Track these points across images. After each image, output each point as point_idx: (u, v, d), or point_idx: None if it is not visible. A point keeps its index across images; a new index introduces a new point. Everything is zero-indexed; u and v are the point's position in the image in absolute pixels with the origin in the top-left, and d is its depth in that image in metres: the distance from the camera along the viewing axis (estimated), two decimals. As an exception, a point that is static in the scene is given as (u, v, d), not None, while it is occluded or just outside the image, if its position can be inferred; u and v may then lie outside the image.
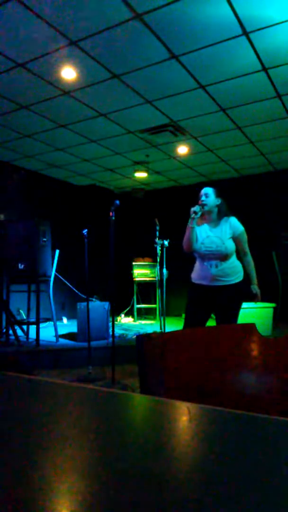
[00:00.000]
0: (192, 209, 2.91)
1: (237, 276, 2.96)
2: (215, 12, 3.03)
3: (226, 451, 0.57)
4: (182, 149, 6.00)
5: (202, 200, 2.97)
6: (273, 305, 5.45)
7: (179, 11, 3.01)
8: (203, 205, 2.95)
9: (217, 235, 2.95)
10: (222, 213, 3.00)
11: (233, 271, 2.94)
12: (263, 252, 6.28)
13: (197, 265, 3.06)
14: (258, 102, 4.48)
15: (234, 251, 2.97)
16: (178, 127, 5.18)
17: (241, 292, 2.98)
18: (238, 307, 2.97)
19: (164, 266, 5.01)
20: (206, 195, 2.98)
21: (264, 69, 3.82)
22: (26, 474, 0.47)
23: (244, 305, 5.11)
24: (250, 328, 1.25)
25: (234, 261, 2.98)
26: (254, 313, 5.22)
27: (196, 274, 3.05)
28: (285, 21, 3.14)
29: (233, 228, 2.96)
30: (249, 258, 3.01)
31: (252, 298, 3.04)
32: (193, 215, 2.91)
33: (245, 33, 3.28)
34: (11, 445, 0.57)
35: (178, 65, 3.73)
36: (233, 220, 2.99)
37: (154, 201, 8.08)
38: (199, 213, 2.93)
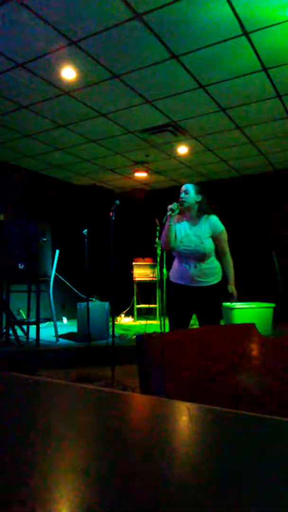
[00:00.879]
0: (169, 206, 2.84)
1: (216, 277, 2.90)
2: (215, 12, 3.03)
3: (226, 451, 0.57)
4: (182, 149, 6.00)
5: (181, 197, 2.91)
6: (273, 305, 5.45)
7: (179, 11, 3.01)
8: (181, 203, 2.88)
9: (196, 233, 2.88)
10: (202, 210, 2.92)
11: (211, 272, 2.89)
12: (263, 252, 6.30)
13: (176, 264, 3.00)
14: (258, 102, 4.49)
15: (213, 250, 2.90)
16: (178, 127, 5.18)
17: (220, 293, 2.94)
18: (219, 308, 2.95)
19: (164, 266, 5.00)
20: (186, 192, 2.91)
21: (264, 69, 3.82)
22: (26, 474, 0.47)
23: (244, 305, 5.14)
24: (250, 328, 1.25)
25: (213, 261, 2.91)
26: (254, 313, 5.23)
27: (175, 273, 2.99)
28: (285, 21, 3.14)
29: (212, 227, 2.88)
30: (228, 258, 2.93)
31: (228, 298, 2.97)
32: (169, 213, 2.83)
33: (245, 33, 3.28)
34: (11, 445, 0.57)
35: (178, 65, 3.73)
36: (213, 219, 2.91)
37: (154, 201, 8.08)
38: (177, 211, 2.85)
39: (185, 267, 2.89)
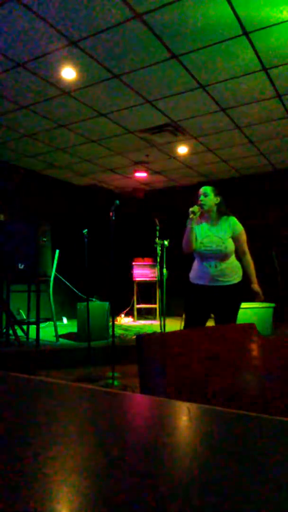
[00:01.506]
0: (191, 209, 2.90)
1: (236, 276, 2.95)
2: (215, 12, 3.03)
3: (226, 451, 0.57)
4: (182, 149, 6.00)
5: (201, 200, 2.96)
6: (273, 305, 5.45)
7: (179, 11, 3.01)
8: (201, 205, 2.94)
9: (216, 234, 2.94)
10: (221, 212, 2.99)
11: (232, 271, 2.93)
12: (263, 252, 6.30)
13: (196, 264, 3.05)
14: (258, 102, 4.49)
15: (233, 250, 2.96)
16: (178, 127, 5.18)
17: (240, 293, 2.97)
18: (237, 308, 2.96)
19: (164, 266, 5.00)
20: (205, 195, 2.96)
21: (264, 69, 3.82)
22: (26, 474, 0.47)
23: (244, 305, 5.13)
24: (250, 328, 1.25)
25: (233, 261, 2.97)
26: (254, 313, 5.22)
27: (195, 273, 3.03)
28: (285, 21, 3.14)
29: (232, 227, 2.95)
30: (249, 258, 2.99)
31: (253, 298, 3.03)
32: (191, 216, 2.90)
33: (245, 33, 3.28)
34: (11, 445, 0.57)
35: (178, 65, 3.73)
36: (233, 220, 2.98)
37: (154, 201, 8.07)
38: (197, 214, 2.91)
39: (205, 266, 2.94)
